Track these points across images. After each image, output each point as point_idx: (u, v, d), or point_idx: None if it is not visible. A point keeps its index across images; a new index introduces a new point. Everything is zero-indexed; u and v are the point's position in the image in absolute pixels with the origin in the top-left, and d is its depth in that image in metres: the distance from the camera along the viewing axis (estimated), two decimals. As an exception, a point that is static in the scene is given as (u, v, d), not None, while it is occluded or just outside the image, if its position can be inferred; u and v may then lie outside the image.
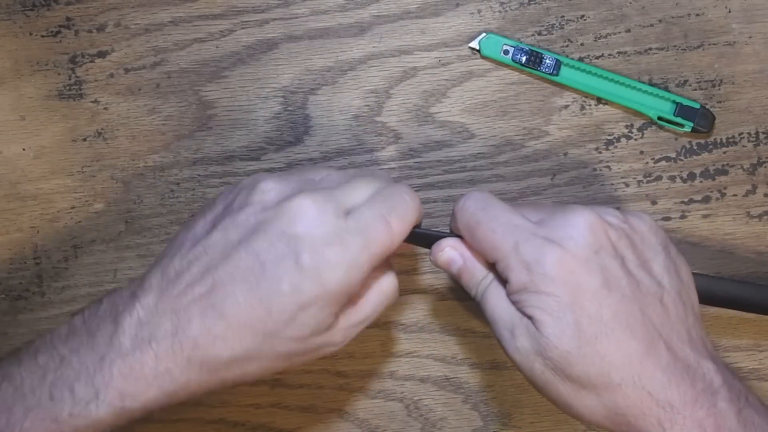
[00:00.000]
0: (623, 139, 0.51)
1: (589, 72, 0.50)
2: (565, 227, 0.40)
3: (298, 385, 0.52)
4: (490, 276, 0.42)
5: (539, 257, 0.39)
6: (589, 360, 0.39)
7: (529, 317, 0.40)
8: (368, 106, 0.51)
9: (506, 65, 0.51)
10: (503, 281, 0.41)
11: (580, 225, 0.40)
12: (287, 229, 0.39)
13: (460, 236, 0.43)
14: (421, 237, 0.44)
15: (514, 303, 0.41)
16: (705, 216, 0.51)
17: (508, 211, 0.41)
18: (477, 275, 0.43)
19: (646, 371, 0.38)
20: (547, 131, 0.51)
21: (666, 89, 0.50)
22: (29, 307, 0.52)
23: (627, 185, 0.51)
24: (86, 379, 0.38)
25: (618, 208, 0.51)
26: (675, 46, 0.50)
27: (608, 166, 0.51)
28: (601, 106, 0.51)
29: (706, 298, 0.44)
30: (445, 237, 0.44)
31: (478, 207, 0.42)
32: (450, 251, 0.43)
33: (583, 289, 0.39)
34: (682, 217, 0.51)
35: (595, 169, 0.51)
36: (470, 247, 0.43)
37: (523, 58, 0.50)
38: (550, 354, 0.39)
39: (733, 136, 0.51)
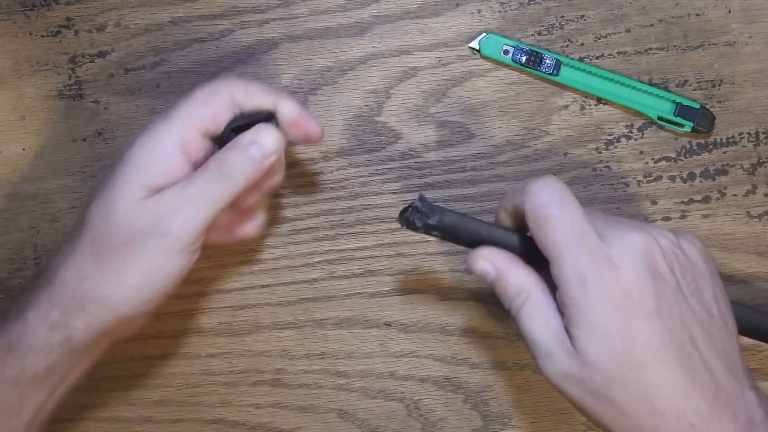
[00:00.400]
0: (623, 139, 0.51)
1: (589, 72, 0.50)
2: (624, 247, 0.39)
3: (298, 385, 0.52)
4: (525, 292, 0.41)
5: (598, 276, 0.38)
6: (633, 386, 0.38)
7: (572, 337, 0.39)
8: (368, 106, 0.51)
9: (506, 65, 0.51)
10: (547, 286, 0.40)
11: (640, 246, 0.39)
12: None
13: (500, 233, 0.42)
14: (461, 231, 0.43)
15: (559, 311, 0.40)
16: (705, 216, 0.51)
17: (581, 216, 0.40)
18: (510, 291, 0.41)
19: (691, 402, 0.38)
20: (547, 131, 0.51)
21: (666, 89, 0.50)
22: (29, 307, 0.52)
23: (627, 185, 0.51)
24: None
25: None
26: (675, 46, 0.50)
27: (608, 166, 0.51)
28: (601, 106, 0.51)
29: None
30: (481, 243, 0.43)
31: (554, 199, 0.40)
32: (484, 264, 0.42)
33: (636, 313, 0.38)
34: (682, 217, 0.51)
35: (595, 169, 0.51)
36: (503, 260, 0.42)
37: (523, 58, 0.50)
38: (591, 378, 0.38)
39: (733, 136, 0.51)
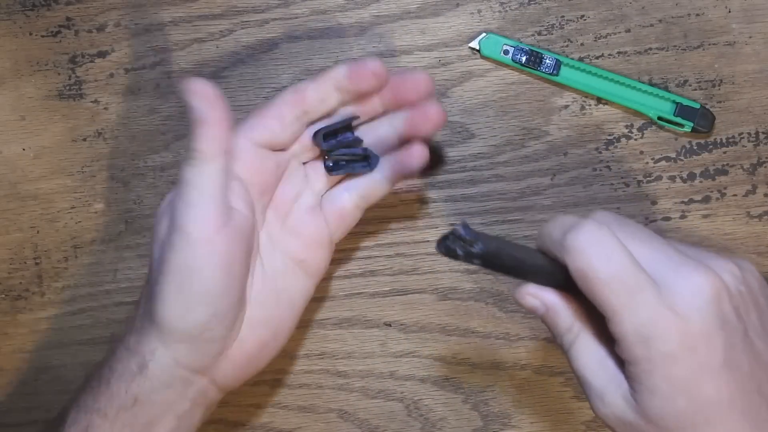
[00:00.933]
0: (623, 139, 0.51)
1: (589, 72, 0.50)
2: (690, 294, 0.36)
3: (298, 385, 0.52)
4: (575, 330, 0.39)
5: (661, 333, 0.36)
6: None
7: (632, 389, 0.37)
8: (368, 106, 0.51)
9: (506, 65, 0.51)
10: (602, 332, 0.38)
11: (707, 292, 0.36)
12: None
13: (543, 265, 0.39)
14: (505, 260, 0.39)
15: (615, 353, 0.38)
16: (705, 216, 0.51)
17: (631, 267, 0.36)
18: (561, 326, 0.40)
19: None
20: (547, 131, 0.51)
21: (666, 89, 0.50)
22: (29, 307, 0.52)
23: (627, 185, 0.51)
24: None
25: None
26: (675, 46, 0.50)
27: (608, 166, 0.51)
28: (601, 106, 0.51)
29: None
30: (526, 277, 0.40)
31: (597, 255, 0.36)
32: (531, 300, 0.40)
33: (704, 370, 0.36)
34: (682, 217, 0.51)
35: (595, 169, 0.51)
36: (553, 295, 0.39)
37: (523, 58, 0.50)
38: (647, 428, 0.36)
39: (733, 136, 0.51)
